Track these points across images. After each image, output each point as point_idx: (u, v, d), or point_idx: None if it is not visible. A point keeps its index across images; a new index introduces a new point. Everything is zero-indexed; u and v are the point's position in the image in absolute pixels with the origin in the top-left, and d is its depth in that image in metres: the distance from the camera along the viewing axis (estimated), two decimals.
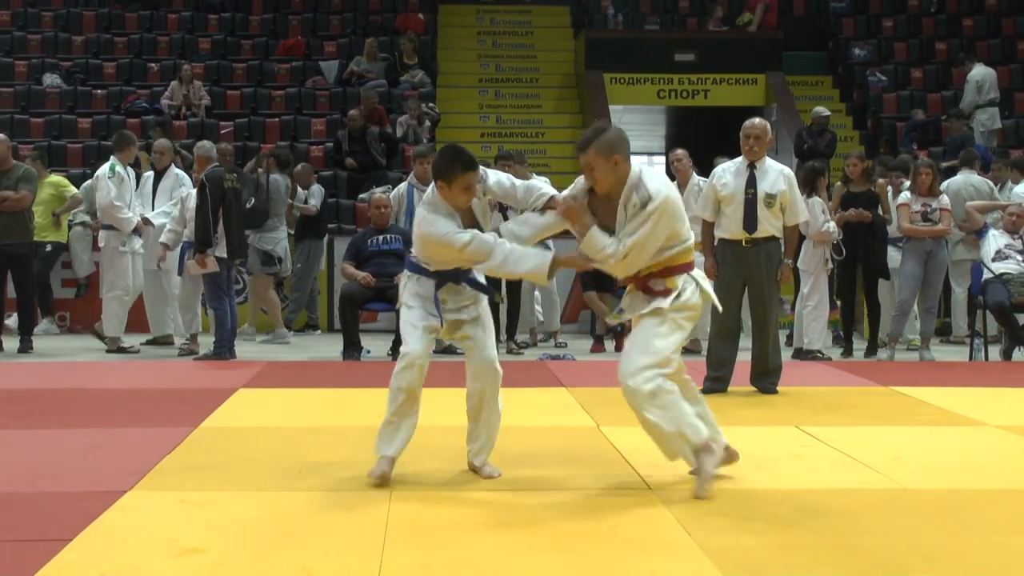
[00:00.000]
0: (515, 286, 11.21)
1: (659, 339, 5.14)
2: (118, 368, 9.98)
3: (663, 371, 5.10)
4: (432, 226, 5.27)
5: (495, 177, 5.37)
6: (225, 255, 10.18)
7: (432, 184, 5.35)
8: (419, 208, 5.45)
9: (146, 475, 5.48)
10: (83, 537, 4.42)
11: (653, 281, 5.24)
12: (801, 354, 10.52)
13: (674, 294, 5.18)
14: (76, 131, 15.79)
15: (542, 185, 5.46)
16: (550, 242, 5.42)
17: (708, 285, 5.36)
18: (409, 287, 5.45)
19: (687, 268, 5.25)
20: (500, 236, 5.26)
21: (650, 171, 5.26)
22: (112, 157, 11.11)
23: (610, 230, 5.16)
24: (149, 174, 11.56)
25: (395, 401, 5.40)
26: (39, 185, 11.59)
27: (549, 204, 5.31)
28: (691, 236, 5.31)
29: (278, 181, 12.15)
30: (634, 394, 5.06)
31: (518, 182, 5.42)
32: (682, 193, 11.31)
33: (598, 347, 11.30)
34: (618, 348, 10.56)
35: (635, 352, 5.13)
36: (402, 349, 5.42)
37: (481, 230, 5.31)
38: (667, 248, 5.17)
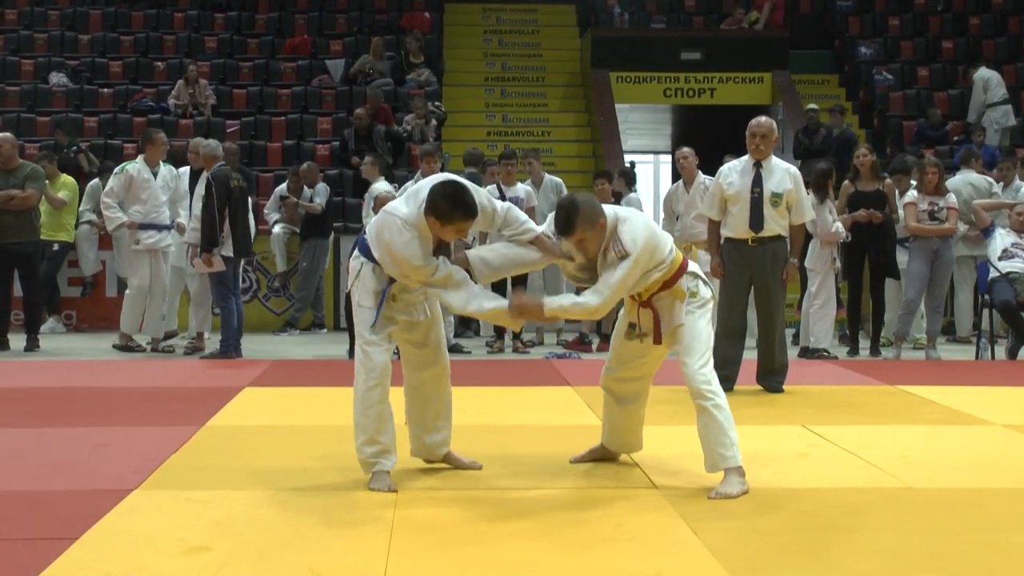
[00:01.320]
0: (521, 283, 11.19)
1: (702, 334, 5.26)
2: (124, 367, 9.99)
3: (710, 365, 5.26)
4: (401, 241, 4.98)
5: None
6: (232, 254, 10.18)
7: (415, 188, 5.14)
8: (394, 204, 5.15)
9: (152, 474, 5.49)
10: (89, 536, 4.42)
11: (657, 298, 5.31)
12: (807, 353, 10.51)
13: (686, 301, 5.27)
14: (83, 130, 15.80)
15: (524, 218, 5.30)
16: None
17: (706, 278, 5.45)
18: (364, 280, 5.17)
19: (682, 273, 5.31)
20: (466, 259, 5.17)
21: (625, 220, 5.16)
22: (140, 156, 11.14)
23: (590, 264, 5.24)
24: (184, 170, 11.34)
25: (373, 418, 5.18)
26: (55, 186, 11.62)
27: (534, 241, 5.24)
28: (672, 250, 5.31)
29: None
30: (698, 392, 5.18)
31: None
32: (687, 191, 11.31)
33: (604, 346, 11.29)
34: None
35: (693, 352, 5.22)
36: (364, 361, 5.14)
37: (448, 255, 5.16)
38: (653, 271, 5.22)
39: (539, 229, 5.30)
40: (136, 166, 10.98)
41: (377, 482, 5.20)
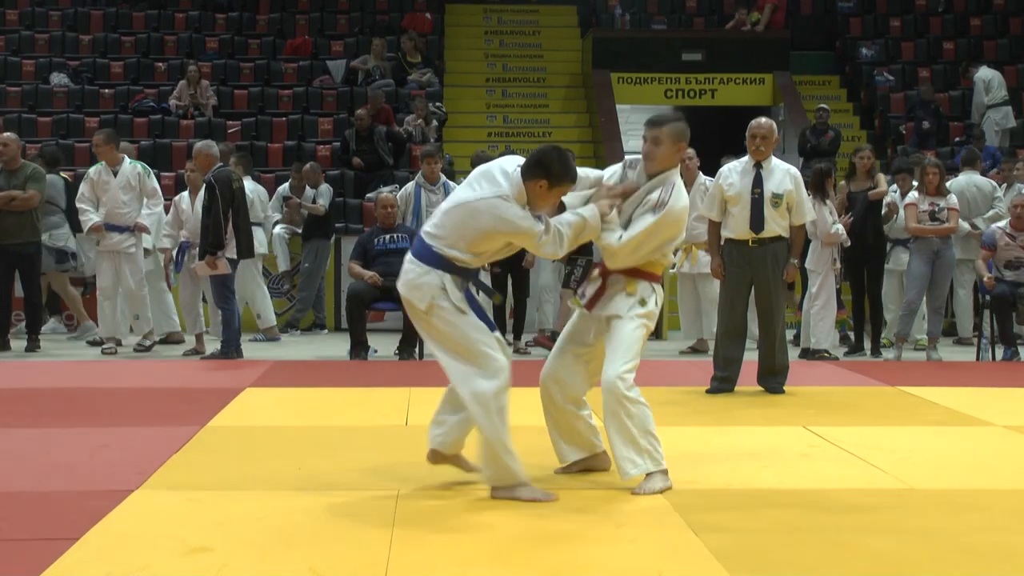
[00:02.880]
0: (522, 287, 11.20)
1: (635, 343, 5.24)
2: (125, 367, 10.00)
3: (633, 374, 5.23)
4: (515, 214, 4.91)
5: None
6: (235, 256, 10.19)
7: (501, 171, 5.00)
8: (483, 194, 4.96)
9: (153, 474, 5.49)
10: (90, 536, 4.42)
11: (613, 278, 5.33)
12: (808, 354, 10.50)
13: (636, 299, 5.29)
14: (84, 130, 15.78)
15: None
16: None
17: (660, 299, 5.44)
18: (450, 289, 4.99)
19: (654, 279, 5.37)
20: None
21: (681, 185, 5.39)
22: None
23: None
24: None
25: (505, 423, 5.00)
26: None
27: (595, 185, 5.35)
28: (670, 257, 5.44)
29: (54, 180, 11.97)
30: (614, 395, 5.15)
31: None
32: (688, 192, 11.27)
33: None
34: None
35: (617, 355, 5.20)
36: (489, 363, 4.96)
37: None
38: (656, 249, 5.32)
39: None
40: (97, 168, 10.97)
41: (532, 492, 5.06)
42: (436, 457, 5.33)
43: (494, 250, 5.12)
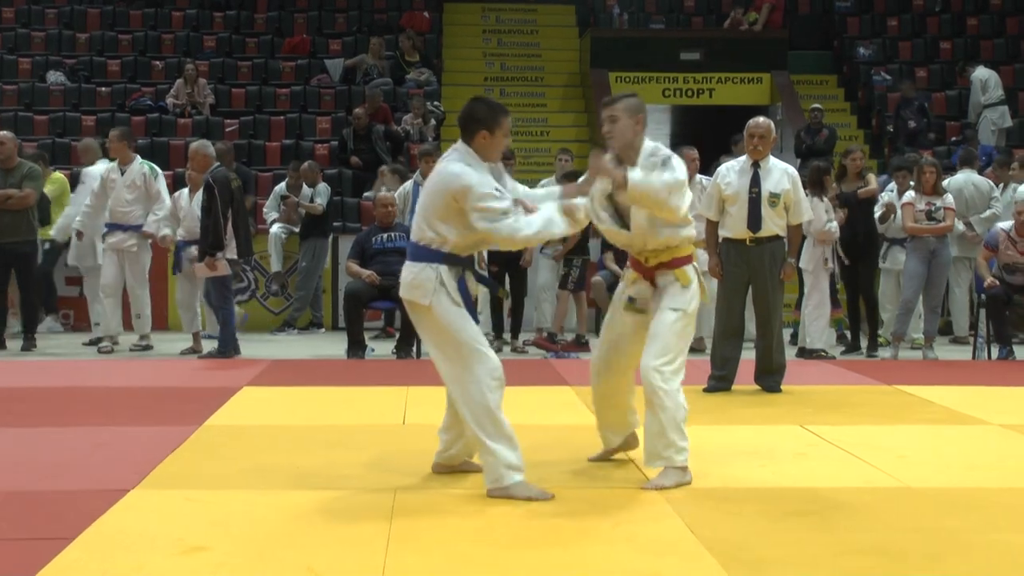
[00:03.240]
0: (520, 286, 11.19)
1: (678, 337, 5.36)
2: (122, 367, 9.99)
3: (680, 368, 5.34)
4: (469, 171, 4.95)
5: None
6: (236, 256, 10.19)
7: (455, 149, 5.10)
8: (443, 165, 5.09)
9: (150, 473, 5.49)
10: (86, 535, 4.42)
11: (661, 273, 5.40)
12: (804, 353, 10.50)
13: (691, 292, 5.39)
14: (80, 129, 15.76)
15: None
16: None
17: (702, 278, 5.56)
18: (446, 280, 5.03)
19: (690, 260, 5.46)
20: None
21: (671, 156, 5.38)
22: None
23: (621, 214, 5.36)
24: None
25: (502, 421, 5.02)
26: (46, 182, 11.61)
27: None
28: (693, 226, 5.46)
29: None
30: (649, 385, 5.24)
31: None
32: None
33: (571, 346, 11.26)
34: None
35: (658, 347, 5.29)
36: (482, 363, 4.99)
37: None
38: (671, 228, 5.34)
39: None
40: (108, 166, 11.02)
41: (527, 490, 5.03)
42: (440, 469, 5.46)
43: (462, 227, 5.03)
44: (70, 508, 4.84)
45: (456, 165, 5.02)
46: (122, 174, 10.91)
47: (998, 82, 16.43)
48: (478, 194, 4.92)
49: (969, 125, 16.31)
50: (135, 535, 4.46)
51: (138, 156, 11.17)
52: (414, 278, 5.08)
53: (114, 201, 10.89)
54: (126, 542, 4.37)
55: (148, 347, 10.99)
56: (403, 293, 5.15)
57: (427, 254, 5.07)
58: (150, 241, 11.10)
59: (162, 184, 11.10)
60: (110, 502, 4.88)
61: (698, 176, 11.18)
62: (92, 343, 11.24)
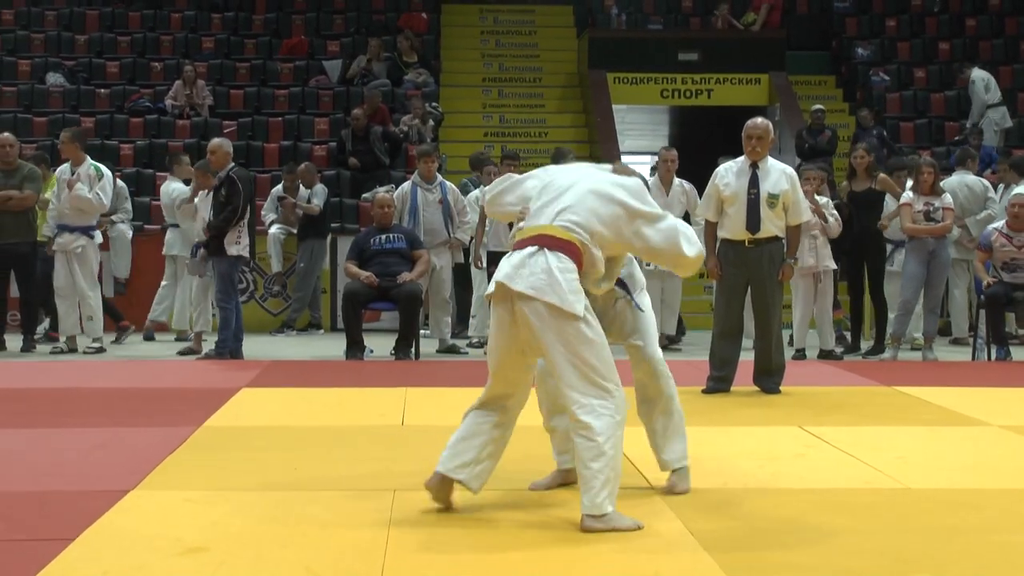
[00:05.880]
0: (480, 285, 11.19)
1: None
2: (121, 367, 9.99)
3: None
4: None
5: None
6: (248, 254, 10.22)
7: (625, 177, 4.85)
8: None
9: (149, 474, 5.49)
10: (86, 536, 4.42)
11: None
12: (822, 355, 10.47)
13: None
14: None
15: None
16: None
17: None
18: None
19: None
20: None
21: None
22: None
23: None
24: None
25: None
26: (47, 185, 11.62)
27: None
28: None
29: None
30: None
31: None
32: (666, 193, 11.20)
33: None
34: None
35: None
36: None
37: None
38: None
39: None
40: (63, 168, 10.99)
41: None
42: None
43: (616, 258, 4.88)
44: (70, 509, 4.84)
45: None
46: (73, 175, 10.84)
47: (995, 84, 16.44)
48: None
49: (973, 125, 16.28)
50: (135, 536, 4.46)
51: (88, 157, 11.08)
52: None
53: (64, 202, 10.82)
54: (126, 543, 4.37)
55: (101, 350, 10.90)
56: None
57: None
58: (99, 242, 11.09)
59: (106, 185, 10.96)
60: (110, 503, 4.88)
61: (676, 180, 11.22)
62: (56, 351, 11.06)
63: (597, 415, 4.49)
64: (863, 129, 15.80)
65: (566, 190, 4.73)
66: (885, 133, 15.93)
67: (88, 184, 10.77)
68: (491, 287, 4.69)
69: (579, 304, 4.50)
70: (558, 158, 11.66)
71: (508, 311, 4.63)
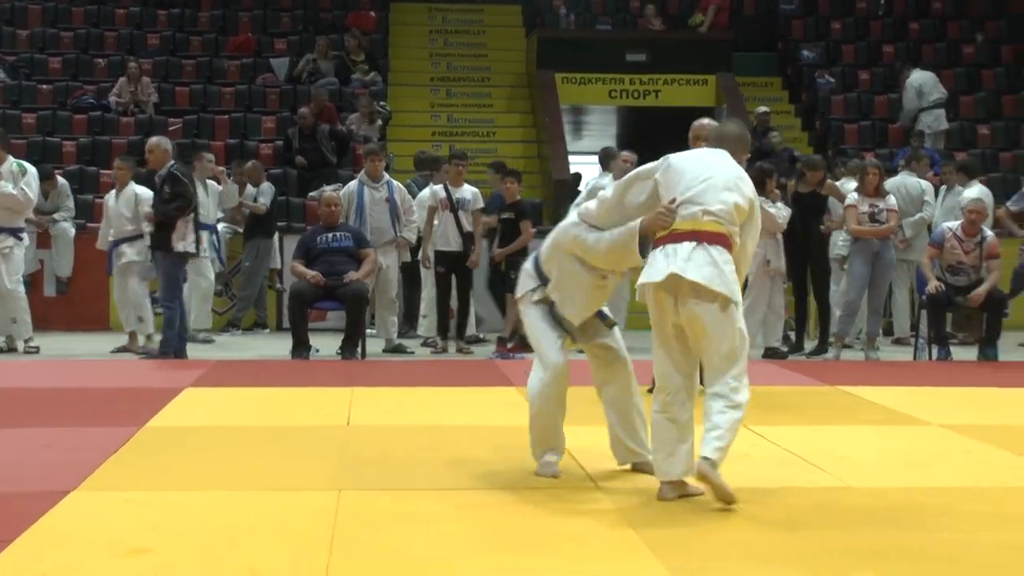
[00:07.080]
0: (465, 286, 11.17)
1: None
2: (62, 367, 9.88)
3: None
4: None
5: None
6: (195, 250, 10.14)
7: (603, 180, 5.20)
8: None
9: (90, 475, 5.43)
10: (25, 537, 4.37)
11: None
12: (767, 353, 10.54)
13: None
14: (21, 126, 15.57)
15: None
16: None
17: None
18: None
19: None
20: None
21: None
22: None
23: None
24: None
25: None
26: None
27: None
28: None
29: None
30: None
31: None
32: None
33: (519, 347, 11.25)
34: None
35: None
36: None
37: None
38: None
39: None
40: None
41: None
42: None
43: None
44: (9, 510, 4.77)
45: None
46: None
47: (936, 84, 16.52)
48: None
49: (908, 130, 16.40)
50: (75, 537, 4.42)
51: (11, 156, 10.87)
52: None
53: None
54: (66, 544, 4.32)
55: (35, 349, 10.72)
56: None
57: None
58: (26, 244, 10.94)
59: (31, 180, 10.75)
60: (50, 504, 4.82)
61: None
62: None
63: (745, 395, 5.07)
64: (775, 153, 15.03)
65: (706, 181, 5.23)
66: (796, 152, 15.69)
67: (12, 181, 10.57)
68: (657, 276, 4.99)
69: (739, 294, 5.01)
70: (607, 160, 11.77)
71: (671, 301, 5.03)
